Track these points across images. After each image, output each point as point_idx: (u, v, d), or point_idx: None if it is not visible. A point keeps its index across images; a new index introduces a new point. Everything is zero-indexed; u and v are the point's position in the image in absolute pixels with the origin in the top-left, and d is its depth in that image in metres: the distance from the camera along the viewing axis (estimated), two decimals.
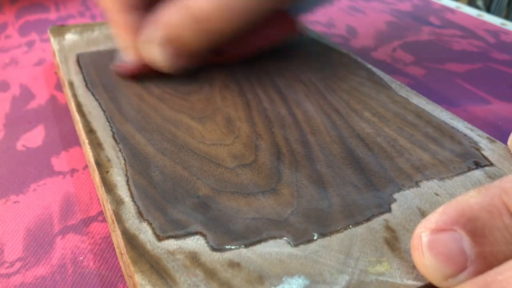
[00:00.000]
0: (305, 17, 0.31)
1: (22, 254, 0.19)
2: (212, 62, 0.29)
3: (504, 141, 0.22)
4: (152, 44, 0.26)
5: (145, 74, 0.27)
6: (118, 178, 0.19)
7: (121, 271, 0.18)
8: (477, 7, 0.92)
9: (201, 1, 0.24)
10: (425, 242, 0.14)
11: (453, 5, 0.51)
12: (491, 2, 0.92)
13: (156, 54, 0.26)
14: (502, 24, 0.46)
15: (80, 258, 0.19)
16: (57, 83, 0.32)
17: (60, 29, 0.34)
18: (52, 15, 0.46)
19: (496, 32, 0.43)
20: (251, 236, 0.16)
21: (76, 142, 0.26)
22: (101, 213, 0.21)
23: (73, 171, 0.24)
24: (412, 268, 0.15)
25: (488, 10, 0.92)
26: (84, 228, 0.20)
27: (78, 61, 0.29)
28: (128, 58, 0.27)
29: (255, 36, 0.29)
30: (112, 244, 0.19)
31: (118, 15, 0.26)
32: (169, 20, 0.25)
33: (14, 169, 0.24)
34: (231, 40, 0.26)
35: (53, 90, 0.31)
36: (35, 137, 0.26)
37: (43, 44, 0.39)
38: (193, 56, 0.27)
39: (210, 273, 0.15)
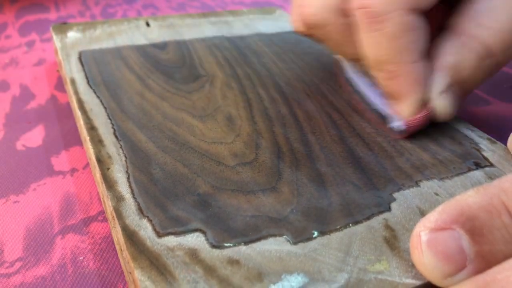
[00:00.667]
0: None
1: (22, 254, 0.19)
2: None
3: (504, 141, 0.22)
4: (435, 94, 0.22)
5: (419, 129, 0.23)
6: (119, 174, 0.19)
7: (121, 271, 0.18)
8: None
9: (495, 32, 0.22)
10: (425, 241, 0.14)
11: None
12: None
13: (443, 103, 0.22)
14: None
15: (80, 258, 0.19)
16: (57, 83, 0.32)
17: (62, 27, 0.34)
18: (52, 15, 0.46)
19: None
20: (250, 234, 0.16)
21: (76, 141, 0.26)
22: (101, 213, 0.21)
23: (73, 170, 0.24)
24: (411, 267, 0.15)
25: None
26: (84, 228, 0.20)
27: (80, 59, 0.29)
28: (411, 112, 0.22)
29: None
30: (112, 244, 0.19)
31: (413, 66, 0.22)
32: (455, 63, 0.22)
33: (14, 169, 0.24)
34: None
35: (53, 90, 0.31)
36: (35, 137, 0.26)
37: (43, 44, 0.39)
38: (467, 95, 0.24)
39: (209, 270, 0.15)
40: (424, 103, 0.22)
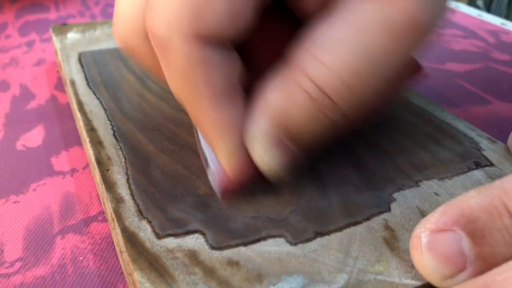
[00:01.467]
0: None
1: (22, 254, 0.19)
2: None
3: (504, 141, 0.22)
4: (256, 143, 0.17)
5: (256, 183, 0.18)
6: (118, 176, 0.19)
7: (121, 271, 0.18)
8: (477, 7, 0.92)
9: (327, 67, 0.16)
10: (425, 242, 0.14)
11: (453, 5, 0.51)
12: (491, 2, 0.92)
13: (259, 153, 0.17)
14: (502, 24, 0.46)
15: (80, 258, 0.19)
16: (57, 83, 0.32)
17: (62, 28, 0.34)
18: (52, 15, 0.46)
19: (496, 32, 0.43)
20: (250, 235, 0.16)
21: (76, 142, 0.26)
22: (101, 213, 0.21)
23: (73, 171, 0.24)
24: (410, 267, 0.15)
25: (488, 10, 0.92)
26: (84, 228, 0.20)
27: (80, 60, 0.29)
28: (228, 164, 0.17)
29: (387, 90, 0.18)
30: (112, 244, 0.19)
31: (215, 106, 0.16)
32: (277, 103, 0.16)
33: (14, 169, 0.24)
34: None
35: (53, 90, 0.31)
36: (35, 137, 0.26)
37: (43, 44, 0.39)
38: (310, 146, 0.17)
39: (209, 271, 0.15)
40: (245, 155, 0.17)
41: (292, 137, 0.17)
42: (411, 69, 0.21)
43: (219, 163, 0.18)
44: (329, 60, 0.15)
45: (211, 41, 0.16)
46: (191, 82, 0.16)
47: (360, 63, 0.15)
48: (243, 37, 0.17)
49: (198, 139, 0.19)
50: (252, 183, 0.18)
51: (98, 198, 0.22)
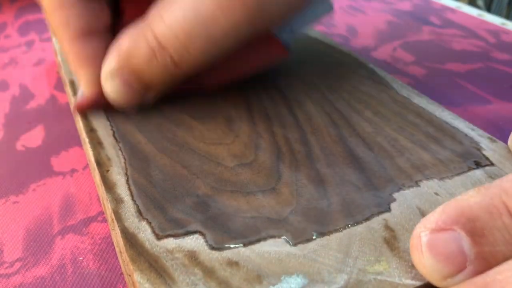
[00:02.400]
0: (292, 37, 0.28)
1: (21, 254, 0.19)
2: (184, 91, 0.25)
3: (505, 141, 0.22)
4: (105, 76, 0.22)
5: (105, 107, 0.23)
6: (118, 177, 0.19)
7: (121, 271, 0.18)
8: (478, 6, 0.92)
9: (165, 22, 0.20)
10: (425, 242, 0.14)
11: (454, 4, 0.51)
12: (491, 1, 0.92)
13: (109, 87, 0.22)
14: (503, 24, 0.46)
15: (80, 258, 0.19)
16: (57, 83, 0.32)
17: None
18: None
19: (496, 32, 0.43)
20: (250, 235, 0.16)
21: (76, 142, 0.26)
22: (100, 213, 0.21)
23: (72, 171, 0.24)
24: (410, 267, 0.15)
25: (488, 9, 0.92)
26: (84, 228, 0.20)
27: None
28: (85, 92, 0.23)
29: (237, 61, 0.25)
30: (112, 244, 0.19)
31: (71, 44, 0.22)
32: (126, 46, 0.21)
33: (14, 169, 0.24)
34: (206, 70, 0.22)
35: (52, 90, 0.31)
36: (35, 137, 0.26)
37: (43, 44, 0.39)
38: (156, 88, 0.22)
39: (208, 272, 0.15)
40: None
41: (134, 77, 0.21)
42: (267, 45, 0.25)
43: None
44: (169, 19, 0.20)
45: None
46: (52, 22, 0.22)
47: (190, 24, 0.20)
48: None
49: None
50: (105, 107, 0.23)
51: (98, 198, 0.22)
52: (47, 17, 0.23)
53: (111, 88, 0.22)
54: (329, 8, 0.28)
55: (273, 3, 0.20)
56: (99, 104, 0.23)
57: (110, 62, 0.21)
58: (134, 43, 0.21)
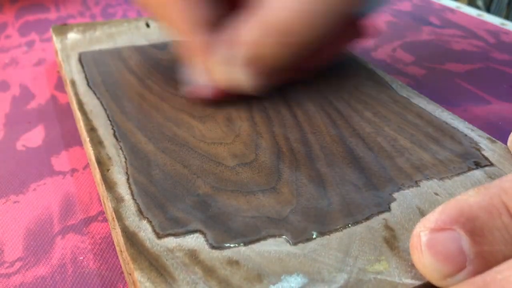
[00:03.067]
0: (368, 18, 0.29)
1: (22, 254, 0.19)
2: (290, 79, 0.27)
3: (504, 141, 0.22)
4: (232, 66, 0.23)
5: (221, 99, 0.25)
6: (119, 176, 0.19)
7: (121, 271, 0.18)
8: (477, 7, 0.92)
9: (281, 13, 0.22)
10: (424, 241, 0.14)
11: (453, 5, 0.51)
12: (491, 2, 0.92)
13: (239, 76, 0.23)
14: (502, 24, 0.46)
15: (80, 258, 0.19)
16: (57, 83, 0.32)
17: (62, 28, 0.34)
18: (52, 15, 0.46)
19: (496, 32, 0.43)
20: (250, 235, 0.16)
21: (76, 141, 0.26)
22: (101, 213, 0.21)
23: (73, 171, 0.24)
24: (410, 267, 0.15)
25: (488, 10, 0.92)
26: (84, 228, 0.20)
27: (80, 60, 0.29)
28: (201, 80, 0.25)
29: (328, 45, 0.27)
30: (112, 244, 0.19)
31: (191, 35, 0.24)
32: (250, 38, 0.23)
33: (14, 169, 0.24)
34: (309, 53, 0.24)
35: (53, 90, 0.31)
36: (35, 137, 0.26)
37: (43, 44, 0.39)
38: (274, 74, 0.25)
39: (209, 270, 0.15)
40: (224, 75, 0.24)
41: (260, 63, 0.23)
42: (353, 28, 0.27)
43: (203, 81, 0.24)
44: (291, 7, 0.22)
45: None
46: (171, 13, 0.23)
47: (313, 8, 0.22)
48: None
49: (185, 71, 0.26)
50: (227, 96, 0.24)
51: (98, 198, 0.22)
52: (161, 9, 0.24)
53: (238, 78, 0.23)
54: None
55: None
56: (217, 96, 0.24)
57: (236, 54, 0.23)
58: (258, 34, 0.22)
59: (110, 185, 0.19)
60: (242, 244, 0.16)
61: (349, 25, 0.27)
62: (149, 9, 0.25)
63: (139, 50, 0.31)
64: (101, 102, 0.25)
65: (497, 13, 0.89)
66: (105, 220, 0.21)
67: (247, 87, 0.24)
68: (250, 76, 0.23)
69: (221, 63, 0.23)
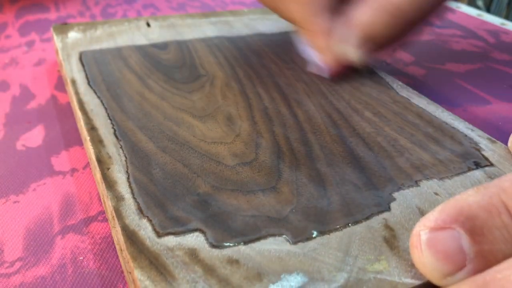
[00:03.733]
0: None
1: (22, 254, 0.19)
2: (391, 49, 0.29)
3: (504, 141, 0.22)
4: (348, 46, 0.26)
5: (342, 73, 0.28)
6: (119, 175, 0.19)
7: (121, 270, 0.18)
8: (477, 7, 0.92)
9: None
10: (424, 240, 0.14)
11: (453, 5, 0.51)
12: (491, 2, 0.92)
13: (353, 54, 0.27)
14: (502, 24, 0.46)
15: (80, 258, 0.19)
16: (57, 83, 0.32)
17: (63, 27, 0.34)
18: (52, 15, 0.46)
19: (496, 32, 0.43)
20: (250, 234, 0.16)
21: (76, 141, 0.26)
22: (101, 213, 0.21)
23: (73, 170, 0.24)
24: (410, 266, 0.15)
25: (488, 10, 0.92)
26: (84, 228, 0.20)
27: (80, 59, 0.29)
28: (323, 60, 0.28)
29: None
30: (112, 244, 0.19)
31: (313, 19, 0.27)
32: (366, 21, 0.25)
33: (14, 169, 0.24)
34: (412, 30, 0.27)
35: (53, 90, 0.31)
36: (35, 137, 0.26)
37: (43, 44, 0.39)
38: (383, 47, 0.27)
39: (209, 269, 0.15)
40: (341, 53, 0.27)
41: (373, 41, 0.26)
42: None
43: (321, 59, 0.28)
44: None
45: None
46: (304, 4, 0.27)
47: None
48: None
49: (303, 49, 0.29)
50: (345, 69, 0.28)
51: (98, 198, 0.22)
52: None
53: (351, 53, 0.27)
54: None
55: None
56: (336, 70, 0.28)
57: (347, 33, 0.26)
58: (369, 16, 0.25)
59: (110, 184, 0.19)
60: (242, 243, 0.16)
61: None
62: (269, 2, 0.29)
63: (140, 49, 0.31)
64: (101, 101, 0.25)
65: (497, 13, 0.89)
66: (105, 220, 0.21)
67: (359, 62, 0.27)
68: (363, 53, 0.26)
69: (339, 43, 0.27)
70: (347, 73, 0.28)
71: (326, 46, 0.27)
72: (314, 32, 0.27)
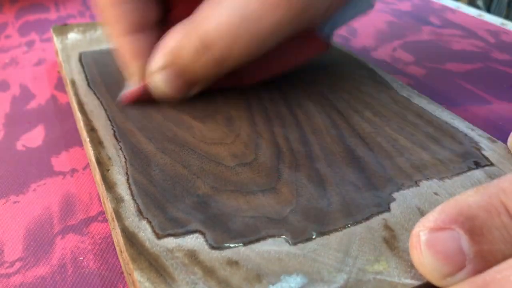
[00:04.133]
0: (332, 34, 0.28)
1: (22, 254, 0.19)
2: (227, 86, 0.26)
3: (505, 141, 0.22)
4: (154, 72, 0.23)
5: (150, 100, 0.24)
6: (119, 176, 0.19)
7: (121, 271, 0.18)
8: (477, 7, 0.92)
9: (211, 23, 0.21)
10: (424, 241, 0.14)
11: (453, 5, 0.51)
12: (491, 2, 0.92)
13: (157, 82, 0.23)
14: (502, 24, 0.46)
15: (80, 258, 0.19)
16: (57, 83, 0.32)
17: (63, 28, 0.34)
18: (52, 15, 0.46)
19: (496, 32, 0.43)
20: (250, 235, 0.16)
21: (76, 142, 0.26)
22: (101, 213, 0.21)
23: (73, 171, 0.24)
24: (410, 267, 0.15)
25: (488, 10, 0.92)
26: (84, 228, 0.20)
27: (80, 60, 0.29)
28: (133, 85, 0.25)
29: (277, 58, 0.25)
30: (112, 244, 0.19)
31: (123, 38, 0.24)
32: (174, 45, 0.22)
33: (14, 169, 0.24)
34: (249, 64, 0.23)
35: (53, 90, 0.31)
36: (35, 137, 0.26)
37: (43, 44, 0.39)
38: (201, 83, 0.24)
39: (208, 271, 0.15)
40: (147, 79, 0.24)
41: (180, 74, 0.23)
42: (308, 41, 0.26)
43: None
44: (214, 20, 0.21)
45: None
46: (105, 17, 0.24)
47: (235, 25, 0.20)
48: None
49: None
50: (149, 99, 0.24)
51: (98, 198, 0.22)
52: (100, 12, 0.24)
53: (158, 83, 0.23)
54: (370, 6, 0.29)
55: (318, 1, 0.21)
56: (144, 97, 0.24)
57: (158, 59, 0.23)
58: (180, 43, 0.22)
59: (110, 186, 0.19)
60: (241, 244, 0.16)
61: (305, 39, 0.26)
62: (96, 10, 0.26)
63: None
64: (101, 102, 0.25)
65: (497, 13, 0.89)
66: (105, 220, 0.21)
67: (165, 94, 0.24)
68: (168, 83, 0.23)
69: (150, 69, 0.23)
70: (143, 100, 0.24)
71: (136, 69, 0.24)
72: (125, 51, 0.24)
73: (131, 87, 0.25)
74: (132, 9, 0.23)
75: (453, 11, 0.49)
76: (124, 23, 0.24)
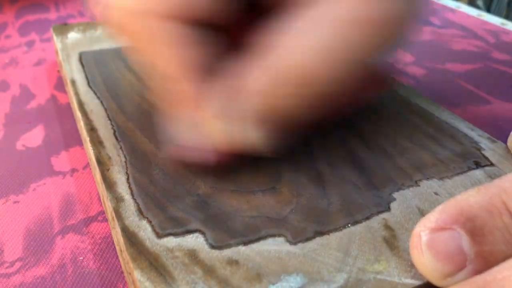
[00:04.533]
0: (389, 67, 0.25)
1: (22, 254, 0.19)
2: (307, 131, 0.21)
3: (504, 141, 0.22)
4: (238, 121, 0.18)
5: (223, 162, 0.19)
6: (119, 175, 0.19)
7: (121, 271, 0.18)
8: (477, 7, 0.92)
9: (297, 57, 0.17)
10: (424, 241, 0.14)
11: (453, 4, 0.51)
12: (491, 2, 0.92)
13: (248, 134, 0.18)
14: (502, 24, 0.46)
15: (80, 258, 0.19)
16: (57, 83, 0.32)
17: (63, 28, 0.34)
18: (52, 15, 0.46)
19: (496, 32, 0.43)
20: (250, 234, 0.16)
21: (76, 141, 0.26)
22: (101, 213, 0.21)
23: (73, 171, 0.24)
24: (410, 266, 0.15)
25: (488, 10, 0.92)
26: (84, 228, 0.20)
27: (80, 60, 0.29)
28: (190, 138, 0.19)
29: (348, 96, 0.21)
30: (112, 244, 0.19)
31: (183, 80, 0.18)
32: (261, 88, 0.18)
33: (14, 169, 0.24)
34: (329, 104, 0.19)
35: (53, 90, 0.31)
36: (35, 137, 0.26)
37: (43, 44, 0.39)
38: (290, 128, 0.19)
39: (208, 270, 0.15)
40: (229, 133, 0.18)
41: (273, 114, 0.18)
42: (374, 79, 0.23)
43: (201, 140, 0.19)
44: (309, 44, 0.17)
45: (189, 21, 0.18)
46: (162, 56, 0.18)
47: (336, 53, 0.17)
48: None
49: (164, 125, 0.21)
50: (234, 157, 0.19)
51: (98, 198, 0.22)
52: (145, 41, 0.19)
53: (247, 131, 0.18)
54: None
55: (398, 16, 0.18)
56: (216, 156, 0.19)
57: (238, 104, 0.18)
58: (264, 81, 0.18)
59: (110, 185, 0.19)
60: (241, 243, 0.16)
61: (370, 77, 0.22)
62: (126, 39, 0.20)
63: None
64: (101, 102, 0.25)
65: (497, 13, 0.89)
66: (105, 220, 0.21)
67: (258, 146, 0.18)
68: (262, 132, 0.18)
69: (221, 117, 0.18)
70: (233, 160, 0.19)
71: (199, 119, 0.19)
72: (185, 96, 0.19)
73: (188, 143, 0.19)
74: (192, 42, 0.18)
75: (453, 11, 0.49)
76: (186, 59, 0.18)
